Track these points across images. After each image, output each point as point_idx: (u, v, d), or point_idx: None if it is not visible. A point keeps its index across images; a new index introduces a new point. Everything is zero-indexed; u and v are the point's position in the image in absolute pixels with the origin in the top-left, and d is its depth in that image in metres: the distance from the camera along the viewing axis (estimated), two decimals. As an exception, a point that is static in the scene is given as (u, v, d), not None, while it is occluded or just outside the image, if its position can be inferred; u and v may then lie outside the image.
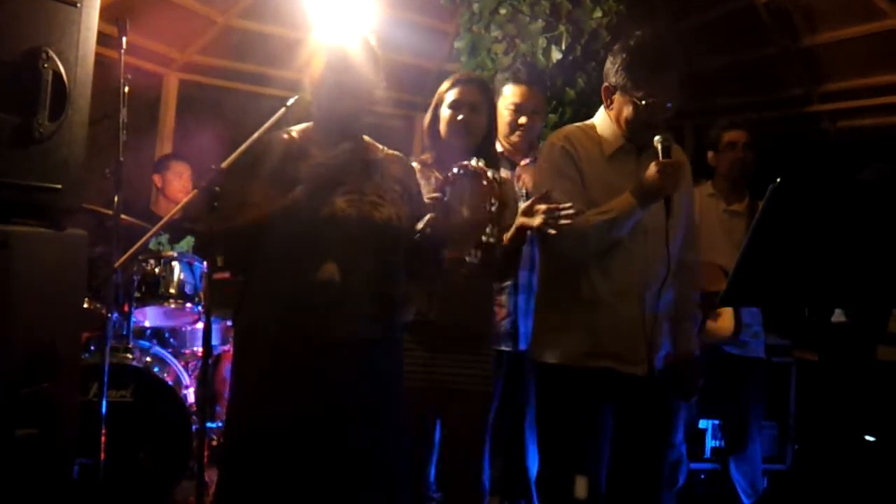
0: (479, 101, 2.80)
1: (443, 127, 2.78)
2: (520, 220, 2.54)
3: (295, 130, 2.36)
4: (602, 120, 2.59)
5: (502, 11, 4.23)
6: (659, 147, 2.39)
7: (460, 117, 2.75)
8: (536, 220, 2.43)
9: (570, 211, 2.35)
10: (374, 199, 2.24)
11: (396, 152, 2.47)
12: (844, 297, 2.15)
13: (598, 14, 4.16)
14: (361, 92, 2.30)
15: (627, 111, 2.48)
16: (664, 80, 2.45)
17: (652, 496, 2.61)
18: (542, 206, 2.42)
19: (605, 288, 2.48)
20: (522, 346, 3.02)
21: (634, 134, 2.51)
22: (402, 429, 2.30)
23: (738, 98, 5.61)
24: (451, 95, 2.77)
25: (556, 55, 4.11)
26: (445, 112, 2.78)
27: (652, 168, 2.38)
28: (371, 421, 2.19)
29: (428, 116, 2.85)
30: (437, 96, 2.83)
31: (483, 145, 2.77)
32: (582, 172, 2.51)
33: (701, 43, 5.23)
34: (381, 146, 2.46)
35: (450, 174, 2.41)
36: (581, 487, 2.55)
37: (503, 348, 3.03)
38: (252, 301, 2.24)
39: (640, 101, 2.43)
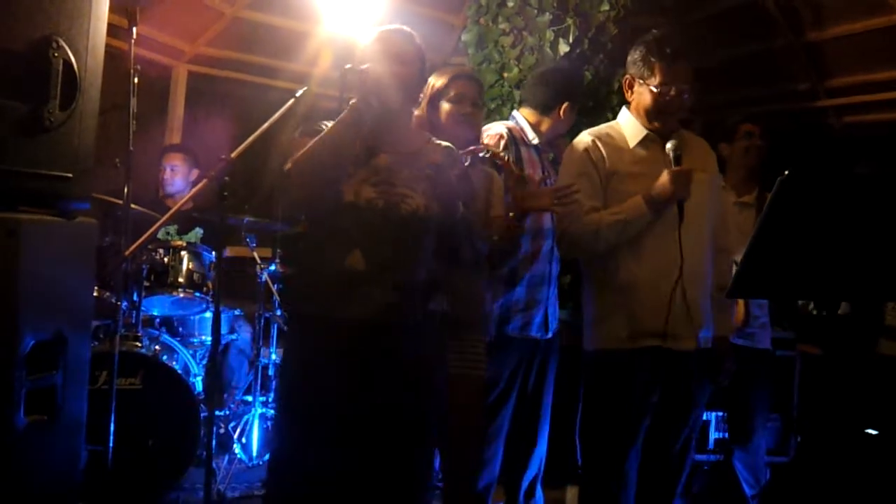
0: (479, 97, 2.91)
1: (445, 119, 2.82)
2: (526, 203, 2.62)
3: None
4: (626, 118, 2.74)
5: (510, 4, 4.24)
6: (671, 155, 2.54)
7: (465, 112, 2.80)
8: (544, 200, 2.57)
9: (577, 195, 2.51)
10: (404, 191, 2.28)
11: (445, 143, 2.48)
12: (851, 290, 2.15)
13: (606, 7, 4.17)
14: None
15: (646, 100, 2.63)
16: (679, 70, 2.59)
17: (679, 469, 2.71)
18: (548, 189, 2.50)
19: (641, 272, 2.58)
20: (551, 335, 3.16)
21: (655, 121, 2.63)
22: (431, 417, 2.36)
23: (744, 92, 5.60)
24: (452, 90, 2.82)
25: (564, 48, 4.12)
26: (446, 105, 2.82)
27: (664, 176, 2.51)
28: (402, 408, 2.27)
29: (422, 108, 2.86)
30: (430, 89, 2.86)
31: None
32: (606, 168, 2.63)
33: (707, 36, 5.21)
34: (427, 134, 2.50)
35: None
36: (572, 498, 2.61)
37: (535, 336, 3.10)
38: (293, 286, 2.35)
39: (657, 89, 2.58)
